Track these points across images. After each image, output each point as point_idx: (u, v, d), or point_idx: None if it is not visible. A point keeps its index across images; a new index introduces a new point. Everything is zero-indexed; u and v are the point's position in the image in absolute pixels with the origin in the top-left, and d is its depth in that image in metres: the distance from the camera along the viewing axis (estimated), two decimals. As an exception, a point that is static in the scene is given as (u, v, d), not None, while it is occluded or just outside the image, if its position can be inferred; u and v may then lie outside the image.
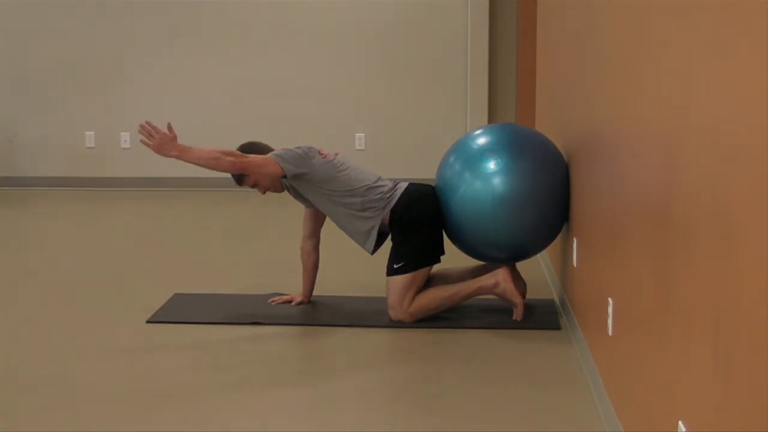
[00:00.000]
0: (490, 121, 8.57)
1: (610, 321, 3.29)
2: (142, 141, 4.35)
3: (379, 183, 4.62)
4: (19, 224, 7.34)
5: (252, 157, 4.43)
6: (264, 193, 4.71)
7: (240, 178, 4.65)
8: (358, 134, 8.71)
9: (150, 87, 8.76)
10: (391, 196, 4.58)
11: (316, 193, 4.54)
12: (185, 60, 8.72)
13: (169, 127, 4.36)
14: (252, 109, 8.72)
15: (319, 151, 4.57)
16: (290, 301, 4.80)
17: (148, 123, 4.34)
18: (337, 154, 4.66)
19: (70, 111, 8.83)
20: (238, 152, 4.45)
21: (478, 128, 4.82)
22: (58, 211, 7.81)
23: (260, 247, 6.30)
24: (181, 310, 4.74)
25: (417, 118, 8.68)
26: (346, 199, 4.53)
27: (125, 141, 8.84)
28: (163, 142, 4.33)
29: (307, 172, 4.48)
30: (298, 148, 4.53)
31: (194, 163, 4.37)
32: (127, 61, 8.75)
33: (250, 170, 4.42)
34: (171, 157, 4.36)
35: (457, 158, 4.62)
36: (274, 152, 4.50)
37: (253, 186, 4.66)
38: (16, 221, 7.45)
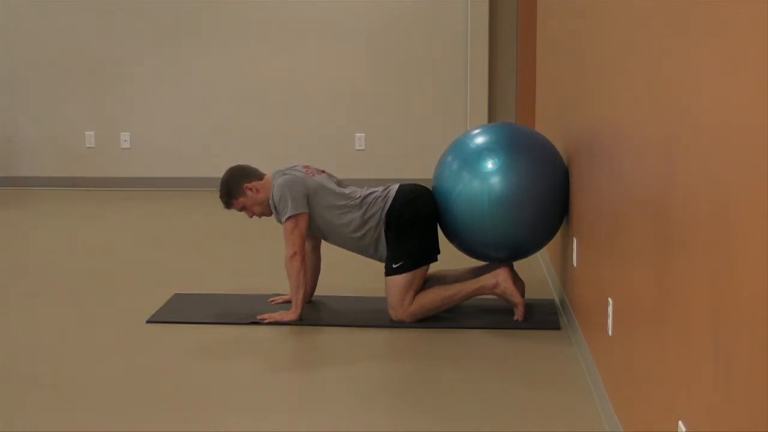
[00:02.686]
0: (490, 121, 8.57)
1: (610, 321, 3.29)
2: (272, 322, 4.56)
3: (370, 190, 4.64)
4: (19, 224, 7.34)
5: (287, 237, 4.51)
6: (251, 217, 4.73)
7: (228, 203, 4.69)
8: (358, 134, 8.71)
9: (150, 87, 8.76)
10: (385, 198, 4.58)
11: (319, 214, 4.55)
12: (185, 60, 8.72)
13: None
14: (252, 109, 8.72)
15: (306, 172, 4.60)
16: (290, 301, 4.80)
17: (261, 318, 4.53)
18: (322, 172, 4.70)
19: (70, 111, 8.83)
20: (288, 253, 4.51)
21: (476, 128, 4.82)
22: (58, 211, 7.81)
23: (260, 247, 6.30)
24: (181, 310, 4.74)
25: (417, 118, 8.67)
26: (346, 214, 4.54)
27: (125, 141, 8.84)
28: (285, 317, 4.54)
29: (308, 194, 4.52)
30: (280, 180, 4.53)
31: (304, 291, 4.58)
32: (127, 61, 8.75)
33: (302, 241, 4.51)
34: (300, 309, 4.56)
35: (455, 157, 4.62)
36: (281, 211, 4.52)
37: (241, 210, 4.69)
38: (16, 221, 7.45)
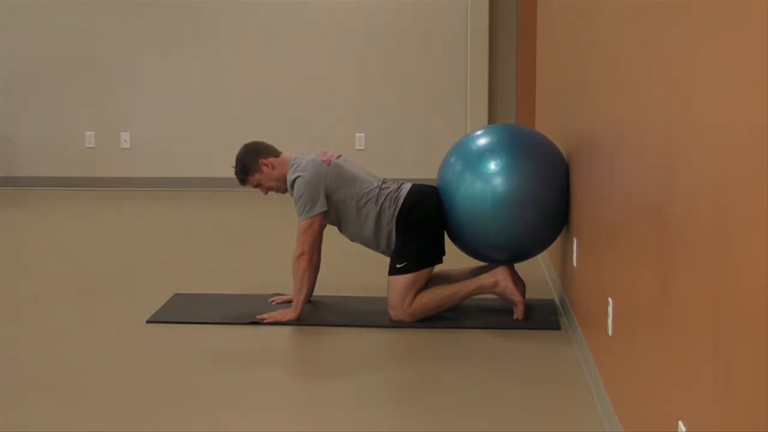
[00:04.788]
0: (490, 121, 8.57)
1: (610, 321, 3.29)
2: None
3: (385, 185, 4.63)
4: (19, 224, 7.34)
5: (299, 235, 4.51)
6: (266, 193, 4.73)
7: (244, 179, 4.68)
8: (358, 134, 8.71)
9: (150, 87, 8.76)
10: (397, 196, 4.59)
11: (336, 203, 4.54)
12: (185, 60, 8.72)
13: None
14: (252, 108, 8.73)
15: (321, 158, 4.58)
16: (290, 301, 4.80)
17: (261, 318, 4.53)
18: (339, 156, 4.68)
19: (70, 111, 8.83)
20: (296, 252, 4.53)
21: (479, 129, 4.82)
22: (58, 211, 7.81)
23: (260, 247, 6.30)
24: (181, 310, 4.74)
25: (417, 118, 8.68)
26: (363, 207, 4.54)
27: (125, 141, 8.84)
28: (285, 316, 4.54)
29: (325, 189, 4.51)
30: (300, 177, 4.51)
31: (308, 291, 4.61)
32: (127, 61, 8.75)
33: (313, 242, 4.52)
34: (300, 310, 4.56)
35: (458, 159, 4.62)
36: (301, 213, 4.51)
37: (257, 186, 4.68)
38: (16, 221, 7.45)
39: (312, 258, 4.56)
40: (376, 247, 4.67)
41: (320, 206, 4.51)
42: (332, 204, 4.56)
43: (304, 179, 4.51)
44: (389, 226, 4.57)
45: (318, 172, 4.53)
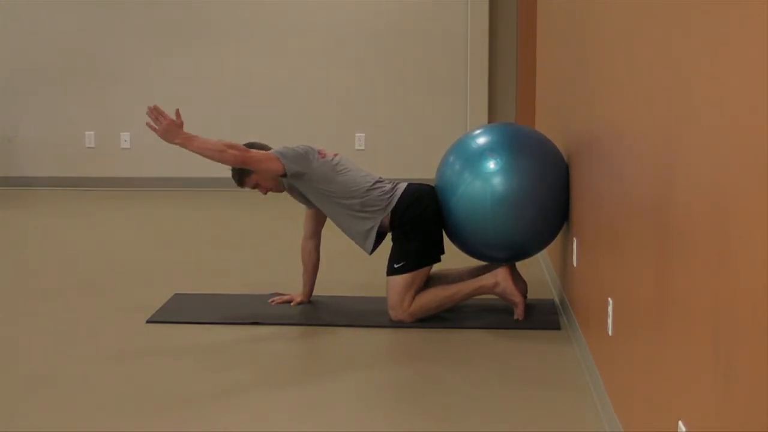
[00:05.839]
0: (490, 121, 8.57)
1: (610, 321, 3.29)
2: (148, 124, 4.36)
3: (378, 185, 4.61)
4: (19, 224, 7.34)
5: (254, 152, 4.45)
6: (266, 193, 4.72)
7: (241, 180, 4.67)
8: (358, 134, 8.71)
9: (150, 87, 8.76)
10: (391, 196, 4.57)
11: (315, 193, 4.55)
12: (185, 60, 8.72)
13: (177, 114, 4.40)
14: (252, 108, 8.73)
15: (318, 152, 4.58)
16: (290, 301, 4.81)
17: (156, 106, 4.34)
18: (336, 155, 4.66)
19: (70, 111, 8.83)
20: (242, 146, 4.45)
21: (478, 128, 4.82)
22: (58, 211, 7.81)
23: (260, 247, 6.30)
24: (181, 310, 4.74)
25: (417, 118, 8.68)
26: (344, 200, 4.53)
27: (125, 141, 8.84)
28: (169, 128, 4.35)
29: (306, 172, 4.48)
30: (299, 147, 4.55)
31: (198, 153, 4.42)
32: (127, 61, 8.75)
33: (252, 165, 4.44)
34: (175, 144, 4.38)
35: (457, 158, 4.62)
36: (275, 149, 4.52)
37: (254, 187, 4.68)
38: (16, 221, 7.45)
39: (229, 161, 4.38)
40: (353, 238, 4.63)
41: (288, 168, 4.45)
42: (321, 194, 4.52)
43: (302, 149, 4.52)
44: (371, 223, 4.52)
45: (312, 159, 4.52)
